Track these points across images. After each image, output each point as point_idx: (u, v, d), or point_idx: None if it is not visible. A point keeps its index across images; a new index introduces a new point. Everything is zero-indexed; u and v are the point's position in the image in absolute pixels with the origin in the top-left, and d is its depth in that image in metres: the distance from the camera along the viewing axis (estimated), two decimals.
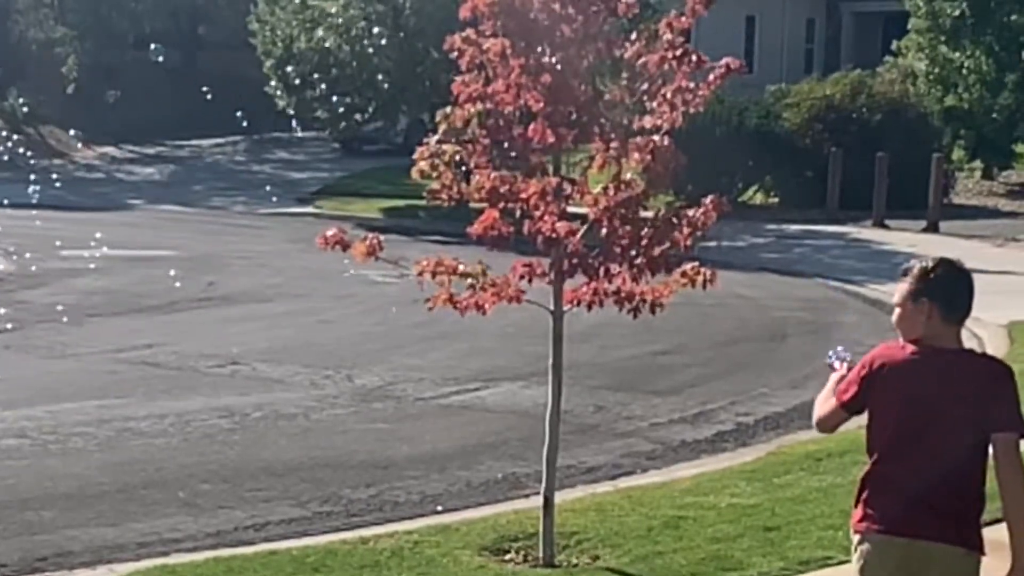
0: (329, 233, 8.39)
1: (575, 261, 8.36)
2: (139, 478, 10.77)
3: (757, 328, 18.24)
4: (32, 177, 28.75)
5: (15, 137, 38.13)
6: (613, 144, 8.30)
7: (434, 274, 8.35)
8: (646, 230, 8.30)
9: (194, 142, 46.16)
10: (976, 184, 34.83)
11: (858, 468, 5.70)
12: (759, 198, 33.64)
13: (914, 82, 34.20)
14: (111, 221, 29.94)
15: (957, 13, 33.18)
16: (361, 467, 11.22)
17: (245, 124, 25.35)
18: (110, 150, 45.27)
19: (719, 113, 30.55)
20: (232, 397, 13.52)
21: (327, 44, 31.89)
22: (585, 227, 8.35)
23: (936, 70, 34.00)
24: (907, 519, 5.25)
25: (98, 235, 23.27)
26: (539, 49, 8.25)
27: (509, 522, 9.43)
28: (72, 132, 40.72)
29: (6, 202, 26.79)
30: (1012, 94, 33.14)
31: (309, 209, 33.34)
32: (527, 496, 10.19)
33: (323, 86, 32.34)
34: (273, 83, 33.63)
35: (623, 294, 8.42)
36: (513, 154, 8.43)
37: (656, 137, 8.22)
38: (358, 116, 33.25)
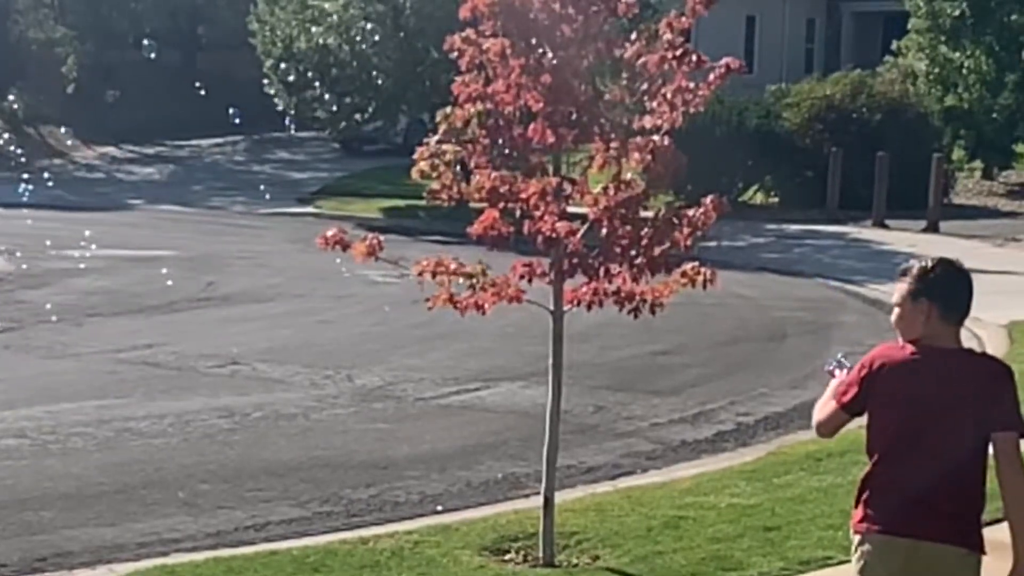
0: (329, 233, 8.39)
1: (575, 261, 8.36)
2: (139, 478, 10.77)
3: (757, 328, 18.24)
4: (25, 176, 28.71)
5: (5, 136, 38.09)
6: (613, 144, 8.29)
7: (434, 274, 8.35)
8: (646, 230, 8.30)
9: (194, 142, 46.16)
10: (976, 184, 34.83)
11: (858, 468, 5.69)
12: (759, 198, 33.63)
13: (914, 82, 34.20)
14: (110, 221, 29.96)
15: (957, 13, 33.19)
16: (361, 467, 11.22)
17: (237, 121, 25.29)
18: (110, 150, 45.27)
19: (719, 113, 30.55)
20: (232, 397, 13.52)
21: (327, 44, 31.89)
22: (585, 227, 8.35)
23: (936, 70, 34.01)
24: (908, 519, 5.25)
25: (87, 234, 23.26)
26: (539, 49, 8.25)
27: (509, 522, 9.43)
28: (63, 129, 40.68)
29: None
30: (1012, 94, 33.15)
31: (309, 209, 33.35)
32: (527, 496, 10.19)
33: (317, 84, 32.34)
34: (269, 82, 33.61)
35: (623, 294, 8.41)
36: (513, 154, 8.43)
37: (656, 137, 8.22)
38: (358, 116, 33.24)
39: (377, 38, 31.22)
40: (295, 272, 22.37)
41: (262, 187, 34.01)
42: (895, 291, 5.39)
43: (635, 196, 8.28)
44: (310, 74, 32.37)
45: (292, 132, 33.54)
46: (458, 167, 8.41)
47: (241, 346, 16.03)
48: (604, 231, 8.31)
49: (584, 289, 8.48)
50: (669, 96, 8.24)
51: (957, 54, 33.55)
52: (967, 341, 6.30)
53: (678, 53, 8.17)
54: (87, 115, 44.44)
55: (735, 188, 31.99)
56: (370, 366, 15.11)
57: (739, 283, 20.20)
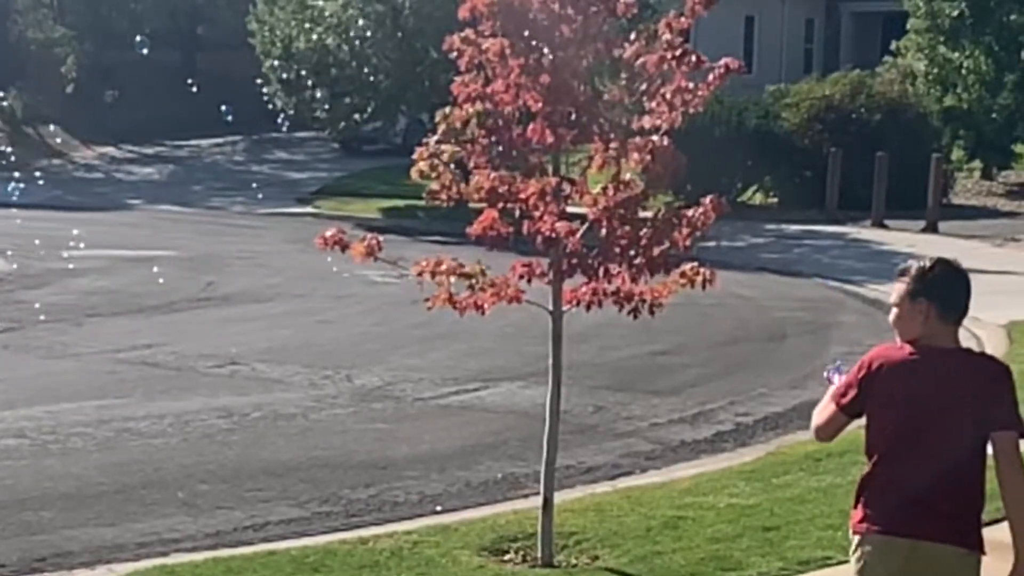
0: (328, 233, 8.39)
1: (574, 261, 8.36)
2: (138, 478, 10.77)
3: (756, 328, 18.24)
4: (16, 175, 28.67)
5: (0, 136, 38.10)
6: (612, 144, 8.30)
7: (433, 274, 8.35)
8: (645, 230, 8.30)
9: (193, 142, 46.17)
10: (975, 184, 34.83)
11: (857, 468, 5.70)
12: (758, 198, 33.64)
13: (913, 82, 34.20)
14: (110, 221, 29.98)
15: (956, 13, 33.19)
16: (360, 467, 11.22)
17: (229, 119, 25.28)
18: (109, 150, 45.27)
19: (718, 113, 30.55)
20: (231, 397, 13.52)
21: (326, 44, 31.89)
22: (584, 227, 8.35)
23: (935, 70, 34.01)
24: (907, 520, 5.25)
25: (85, 234, 23.25)
26: (538, 49, 8.25)
27: (508, 522, 9.43)
28: (52, 127, 40.64)
29: None
30: (1011, 94, 33.15)
31: (308, 209, 33.35)
32: (526, 496, 10.19)
33: (310, 82, 32.33)
34: (263, 82, 33.59)
35: (622, 294, 8.42)
36: (512, 154, 8.43)
37: (655, 137, 8.22)
38: (357, 116, 33.25)
39: (371, 35, 31.20)
40: (294, 272, 22.37)
41: (254, 185, 33.99)
42: (893, 291, 5.39)
43: (634, 196, 8.29)
44: (303, 72, 32.35)
45: (285, 129, 33.44)
46: (455, 167, 8.41)
47: (240, 346, 16.04)
48: (603, 231, 8.31)
49: (583, 289, 8.48)
50: (668, 96, 8.24)
51: (956, 54, 33.55)
52: (966, 341, 6.31)
53: (677, 53, 8.17)
54: (86, 115, 44.46)
55: (734, 188, 32.00)
56: (369, 366, 15.11)
57: (738, 283, 20.20)
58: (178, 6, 51.35)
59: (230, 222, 31.10)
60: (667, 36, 8.20)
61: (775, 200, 33.32)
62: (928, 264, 5.35)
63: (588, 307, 8.53)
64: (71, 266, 22.34)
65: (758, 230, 28.90)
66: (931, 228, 27.97)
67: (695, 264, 8.49)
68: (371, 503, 10.26)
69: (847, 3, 50.11)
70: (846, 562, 5.55)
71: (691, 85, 8.23)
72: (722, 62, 8.25)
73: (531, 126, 8.29)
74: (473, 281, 8.37)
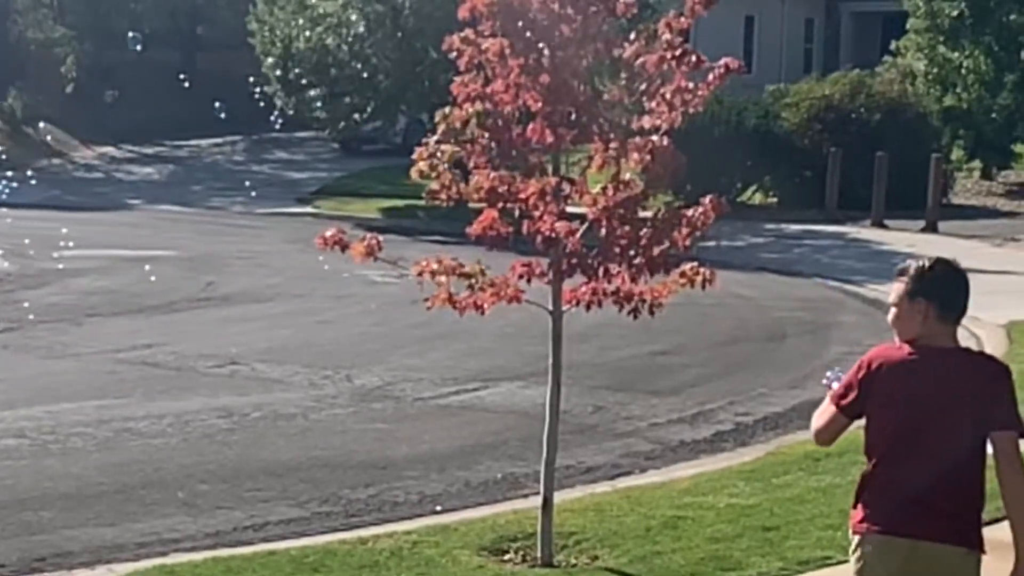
0: (328, 233, 8.40)
1: (574, 261, 8.36)
2: (138, 478, 10.77)
3: (756, 328, 18.24)
4: (8, 174, 28.66)
5: None
6: (612, 144, 8.30)
7: (433, 274, 8.35)
8: (645, 230, 8.30)
9: (193, 142, 46.17)
10: (975, 184, 34.83)
11: (857, 468, 5.69)
12: (758, 198, 33.64)
13: (913, 82, 34.20)
14: (110, 221, 29.98)
15: (956, 13, 33.19)
16: (360, 467, 11.22)
17: (223, 116, 25.32)
18: (109, 150, 45.27)
19: (718, 113, 30.55)
20: (231, 397, 13.52)
21: (326, 44, 31.89)
22: (584, 227, 8.35)
23: (935, 70, 34.01)
24: (907, 519, 5.25)
25: (80, 233, 23.26)
26: (538, 49, 8.25)
27: (508, 522, 9.43)
28: (42, 124, 40.64)
29: None
30: (1011, 94, 33.14)
31: (308, 209, 33.35)
32: (526, 496, 10.19)
33: (304, 81, 32.31)
34: (256, 81, 33.56)
35: (622, 294, 8.42)
36: (512, 154, 8.43)
37: (655, 137, 8.22)
38: (357, 116, 33.25)
39: (371, 35, 31.19)
40: (294, 272, 22.37)
41: (247, 183, 33.96)
42: (892, 291, 5.39)
43: (634, 196, 8.29)
44: (298, 71, 32.32)
45: (278, 127, 33.42)
46: (455, 167, 8.41)
47: (240, 346, 16.04)
48: (603, 231, 8.31)
49: (583, 289, 8.48)
50: (668, 96, 8.24)
51: (956, 54, 33.55)
52: (965, 341, 6.31)
53: (677, 53, 8.17)
54: (86, 115, 44.44)
55: (734, 188, 32.00)
56: (369, 366, 15.11)
57: (738, 283, 20.20)
58: (178, 6, 51.36)
59: (230, 222, 31.10)
60: (667, 36, 8.20)
61: (775, 200, 33.32)
62: (927, 264, 5.35)
63: (588, 307, 8.53)
64: (71, 266, 22.34)
65: (758, 230, 28.90)
66: (931, 228, 27.97)
67: (695, 264, 8.49)
68: (371, 503, 10.26)
69: (847, 3, 50.12)
70: (846, 562, 5.55)
71: (691, 85, 8.24)
72: (722, 62, 8.25)
73: (531, 126, 8.29)
74: (473, 281, 8.38)
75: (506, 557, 8.80)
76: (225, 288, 21.06)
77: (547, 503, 8.65)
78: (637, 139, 8.26)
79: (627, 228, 8.28)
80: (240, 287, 21.16)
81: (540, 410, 9.32)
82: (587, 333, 15.50)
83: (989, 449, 5.26)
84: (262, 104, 33.17)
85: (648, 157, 8.19)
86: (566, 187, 8.40)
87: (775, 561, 8.62)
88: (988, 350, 13.46)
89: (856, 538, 5.38)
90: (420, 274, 8.35)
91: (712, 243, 20.53)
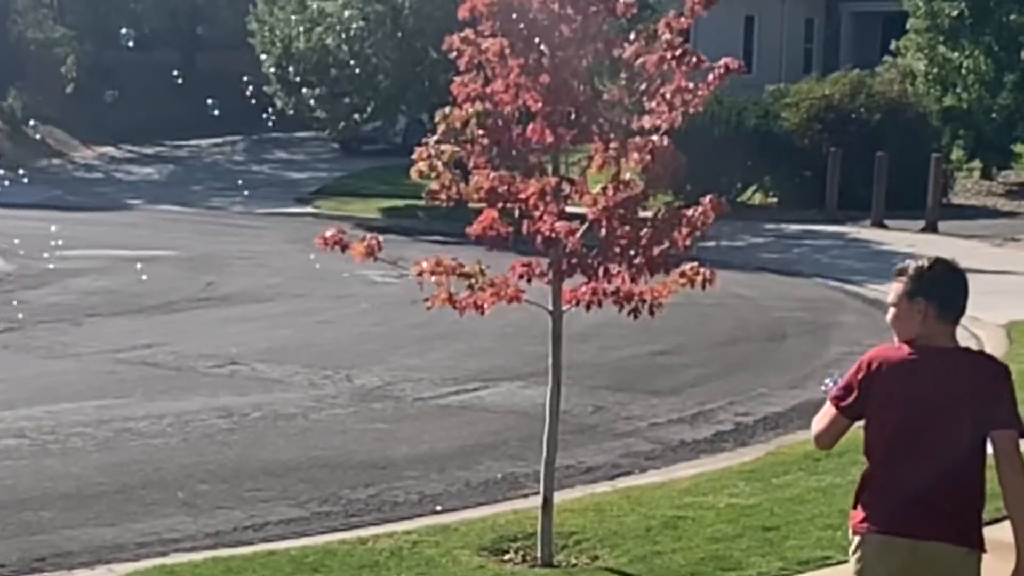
0: (328, 233, 8.40)
1: (574, 261, 8.36)
2: (138, 478, 10.77)
3: (756, 328, 18.24)
4: (8, 174, 28.65)
5: None
6: (612, 144, 8.30)
7: (433, 274, 8.35)
8: (645, 230, 8.30)
9: (193, 142, 46.17)
10: (975, 184, 34.83)
11: (857, 468, 5.69)
12: (758, 198, 33.64)
13: (913, 82, 34.19)
14: (109, 221, 29.98)
15: (956, 13, 33.18)
16: (360, 467, 11.22)
17: (216, 113, 25.35)
18: (109, 150, 45.27)
19: (718, 113, 30.55)
20: (231, 397, 13.52)
21: (326, 44, 31.89)
22: (584, 227, 8.35)
23: (935, 70, 34.01)
24: (907, 519, 5.25)
25: (77, 233, 23.24)
26: (538, 49, 8.25)
27: (508, 522, 9.43)
28: (32, 122, 40.61)
29: None
30: (1011, 94, 33.14)
31: (308, 209, 33.36)
32: (526, 496, 10.19)
33: (298, 79, 32.30)
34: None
35: (622, 294, 8.42)
36: (512, 154, 8.43)
37: (655, 137, 8.22)
38: (357, 116, 33.24)
39: (371, 35, 31.18)
40: (294, 272, 22.36)
41: (239, 182, 33.91)
42: (891, 291, 5.39)
43: (634, 196, 8.29)
44: (297, 70, 32.31)
45: (271, 124, 33.39)
46: (455, 167, 8.41)
47: (240, 346, 16.04)
48: (603, 231, 8.31)
49: (583, 289, 8.48)
50: (668, 96, 8.24)
51: (956, 54, 33.54)
52: (965, 341, 6.31)
53: (677, 53, 8.17)
54: (86, 115, 44.43)
55: (734, 188, 32.00)
56: (369, 366, 15.11)
57: (738, 283, 20.20)
58: (178, 6, 51.37)
59: (230, 222, 31.10)
60: (667, 36, 8.20)
61: (775, 200, 33.31)
62: (926, 264, 5.35)
63: (588, 307, 8.53)
64: (71, 266, 22.34)
65: (758, 230, 28.90)
66: (931, 228, 27.97)
67: (695, 264, 8.49)
68: (371, 503, 10.26)
69: (847, 3, 50.12)
70: (846, 562, 5.55)
71: (691, 85, 8.24)
72: (722, 62, 8.25)
73: (531, 126, 8.29)
74: (473, 281, 8.38)
75: (506, 557, 8.80)
76: (225, 288, 21.06)
77: (547, 503, 8.65)
78: (637, 139, 8.26)
79: (627, 228, 8.28)
80: (240, 287, 21.16)
81: (540, 410, 9.32)
82: (587, 333, 15.50)
83: (989, 449, 5.26)
84: (254, 101, 33.15)
85: (648, 157, 8.19)
86: (566, 187, 8.40)
87: (775, 561, 8.62)
88: (988, 350, 13.46)
89: (856, 538, 5.38)
90: (420, 274, 8.35)
91: (712, 243, 20.54)
